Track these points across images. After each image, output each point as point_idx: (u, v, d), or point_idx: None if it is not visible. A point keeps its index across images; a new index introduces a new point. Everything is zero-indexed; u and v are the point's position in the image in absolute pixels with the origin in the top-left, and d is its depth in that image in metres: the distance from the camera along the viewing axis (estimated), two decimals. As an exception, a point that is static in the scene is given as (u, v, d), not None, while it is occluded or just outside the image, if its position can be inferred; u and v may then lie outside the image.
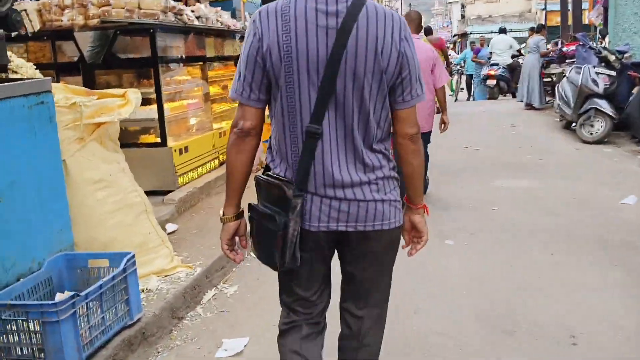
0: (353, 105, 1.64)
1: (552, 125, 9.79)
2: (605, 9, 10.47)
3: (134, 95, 3.77)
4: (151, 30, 5.15)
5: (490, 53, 14.52)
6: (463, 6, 48.92)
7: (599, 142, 7.83)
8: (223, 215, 1.84)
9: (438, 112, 5.62)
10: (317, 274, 1.86)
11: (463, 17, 48.83)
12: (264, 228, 1.72)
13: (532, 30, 13.75)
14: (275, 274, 1.89)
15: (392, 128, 1.77)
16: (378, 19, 1.62)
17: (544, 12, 32.22)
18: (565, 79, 9.18)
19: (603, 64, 7.99)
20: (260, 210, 1.74)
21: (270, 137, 1.78)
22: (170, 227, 4.66)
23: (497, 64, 14.19)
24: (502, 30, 14.47)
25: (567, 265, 3.89)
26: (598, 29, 11.71)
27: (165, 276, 3.72)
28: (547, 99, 12.13)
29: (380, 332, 1.99)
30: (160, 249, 3.78)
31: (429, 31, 12.33)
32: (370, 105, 1.66)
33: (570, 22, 15.53)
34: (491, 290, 3.56)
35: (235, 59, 6.81)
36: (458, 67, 16.45)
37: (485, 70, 14.53)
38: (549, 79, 12.22)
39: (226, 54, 6.89)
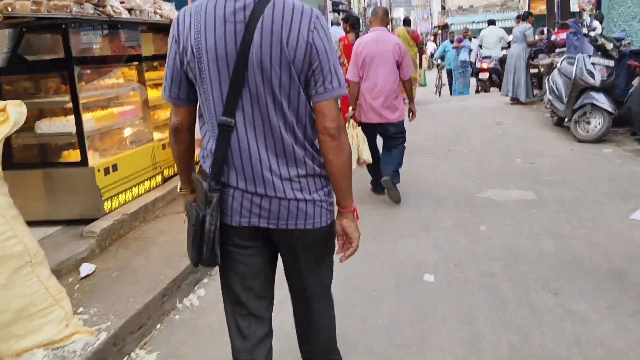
0: (266, 97, 1.65)
1: (542, 121, 8.98)
2: (598, -6, 9.67)
3: (16, 109, 2.89)
4: (63, 26, 4.23)
5: (480, 46, 13.82)
6: (444, -3, 48.14)
7: (597, 141, 7.01)
8: (180, 190, 1.97)
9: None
10: (257, 271, 1.86)
11: (443, 8, 48.10)
12: (188, 222, 1.78)
13: (519, 18, 12.97)
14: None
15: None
16: (285, 11, 1.63)
17: (527, 0, 31.58)
18: (556, 70, 8.37)
19: (599, 53, 7.17)
20: (187, 206, 1.80)
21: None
22: (86, 268, 3.76)
23: (490, 57, 13.73)
24: (491, 22, 13.68)
25: (577, 313, 3.05)
26: (589, 14, 10.91)
27: (57, 348, 2.83)
28: (535, 92, 11.33)
29: (328, 314, 2.00)
30: (51, 311, 2.88)
31: (407, 22, 12.18)
32: (283, 97, 1.66)
33: (556, 9, 14.77)
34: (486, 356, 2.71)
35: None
36: (439, 61, 15.57)
37: (478, 64, 14.08)
38: (536, 70, 11.40)
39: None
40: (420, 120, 9.52)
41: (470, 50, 14.53)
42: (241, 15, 1.62)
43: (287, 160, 1.70)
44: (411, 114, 5.43)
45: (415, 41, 10.89)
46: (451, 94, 14.97)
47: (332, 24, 9.08)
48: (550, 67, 10.45)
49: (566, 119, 7.87)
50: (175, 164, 2.03)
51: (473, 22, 41.17)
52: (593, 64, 7.13)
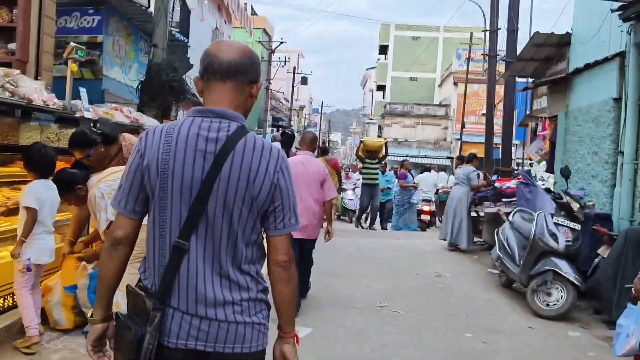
0: (222, 226, 1.70)
1: (488, 279, 7.75)
2: (553, 144, 8.99)
3: None
4: None
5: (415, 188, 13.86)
6: (380, 128, 49.57)
7: (560, 318, 5.74)
8: (91, 316, 1.84)
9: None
10: None
11: (379, 137, 49.36)
12: (122, 338, 1.72)
13: (460, 160, 12.32)
14: None
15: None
16: (255, 149, 1.71)
17: (459, 142, 32.37)
18: (507, 225, 7.29)
19: (563, 213, 6.13)
20: (122, 320, 1.75)
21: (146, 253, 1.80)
22: None
23: (431, 199, 14.13)
24: (427, 169, 14.83)
25: None
26: (539, 165, 10.28)
27: None
28: (475, 239, 10.29)
29: None
30: None
31: (325, 151, 12.79)
32: (239, 228, 1.72)
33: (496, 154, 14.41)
34: None
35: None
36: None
37: (419, 205, 14.23)
38: (475, 215, 10.48)
39: (22, 142, 4.36)
40: (352, 259, 8.44)
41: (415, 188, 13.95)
42: (212, 147, 1.68)
43: (231, 285, 1.72)
44: (327, 235, 5.73)
45: (334, 168, 10.08)
46: (384, 227, 13.89)
47: (273, 140, 9.27)
48: (495, 217, 9.52)
49: (519, 282, 6.65)
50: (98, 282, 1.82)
51: (407, 156, 42.24)
52: (557, 224, 6.05)
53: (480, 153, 25.31)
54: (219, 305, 1.70)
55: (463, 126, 31.14)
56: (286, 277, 1.79)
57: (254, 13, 44.85)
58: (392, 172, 15.62)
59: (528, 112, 11.45)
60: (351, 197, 14.10)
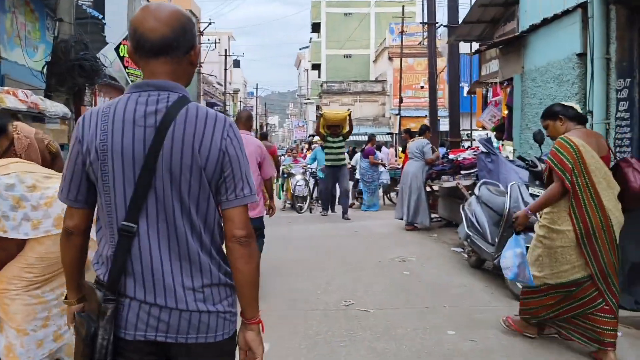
0: (173, 203, 1.62)
1: (454, 260, 7.11)
2: (510, 109, 8.40)
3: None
4: None
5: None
6: (318, 107, 48.80)
7: (545, 301, 5.13)
8: (66, 298, 1.85)
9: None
10: None
11: (318, 118, 48.57)
12: (78, 335, 1.66)
13: (407, 134, 11.69)
14: None
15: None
16: (198, 118, 1.63)
17: (398, 117, 32.08)
18: (473, 199, 6.65)
19: (538, 183, 5.51)
20: (77, 317, 1.71)
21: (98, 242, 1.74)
22: None
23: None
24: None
25: None
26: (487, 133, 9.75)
27: None
28: (432, 215, 9.69)
29: None
30: None
31: (264, 136, 12.99)
32: (192, 203, 1.63)
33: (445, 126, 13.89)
34: None
35: None
36: (309, 168, 13.72)
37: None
38: (429, 189, 9.87)
39: None
40: (305, 251, 7.51)
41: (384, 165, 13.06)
42: (152, 120, 1.61)
43: (191, 269, 1.63)
44: (270, 209, 5.82)
45: (272, 155, 9.36)
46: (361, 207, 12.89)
47: None
48: (452, 191, 8.92)
49: (493, 262, 6.03)
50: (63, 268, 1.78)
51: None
52: (533, 195, 5.41)
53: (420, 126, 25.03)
54: (179, 292, 1.61)
55: (401, 101, 30.86)
56: (246, 254, 1.66)
57: (178, -6, 42.86)
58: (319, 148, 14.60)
59: (476, 79, 10.84)
60: (300, 183, 12.97)
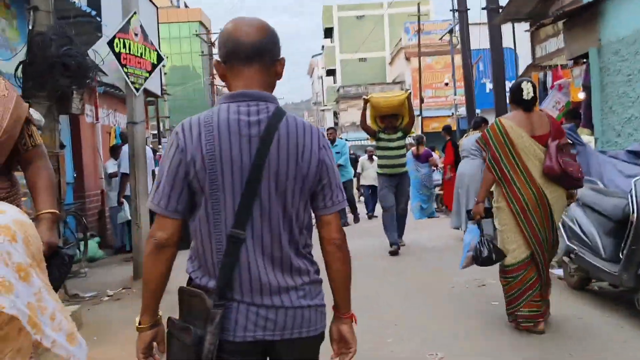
0: (277, 209, 1.69)
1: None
2: (587, 89, 6.91)
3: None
4: None
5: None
6: (336, 114, 47.56)
7: None
8: (139, 324, 1.78)
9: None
10: None
11: (336, 124, 47.22)
12: (180, 343, 1.69)
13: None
14: None
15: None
16: (298, 128, 1.71)
17: (420, 117, 30.56)
18: (574, 205, 5.16)
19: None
20: (177, 324, 1.72)
21: (191, 248, 1.76)
22: None
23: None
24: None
25: None
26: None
27: None
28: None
29: None
30: None
31: None
32: (293, 209, 1.71)
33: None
34: None
35: None
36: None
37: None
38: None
39: None
40: (355, 271, 5.19)
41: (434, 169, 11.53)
42: (255, 130, 1.67)
43: (292, 270, 1.72)
44: None
45: None
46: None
47: None
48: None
49: (615, 283, 4.55)
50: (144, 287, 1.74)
51: (367, 139, 40.29)
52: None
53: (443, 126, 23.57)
54: (283, 291, 1.69)
55: (422, 101, 29.39)
56: (342, 256, 1.78)
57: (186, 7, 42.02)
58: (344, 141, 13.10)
59: (530, 62, 9.36)
60: None
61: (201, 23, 37.80)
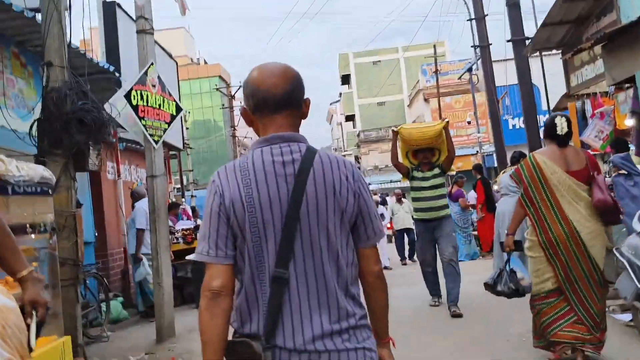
0: (320, 245, 1.68)
1: (619, 331, 5.01)
2: (637, 114, 6.42)
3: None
4: None
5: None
6: (357, 158, 47.37)
7: None
8: None
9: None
10: None
11: (359, 169, 46.95)
12: None
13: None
14: None
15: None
16: (332, 163, 1.73)
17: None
18: (634, 236, 4.65)
19: None
20: None
21: (235, 296, 1.73)
22: None
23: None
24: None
25: None
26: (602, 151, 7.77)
27: None
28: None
29: None
30: None
31: None
32: (338, 245, 1.70)
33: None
34: None
35: None
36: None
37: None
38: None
39: None
40: (394, 324, 4.64)
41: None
42: (290, 169, 1.70)
43: (339, 313, 1.68)
44: None
45: None
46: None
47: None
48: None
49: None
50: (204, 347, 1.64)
51: (391, 182, 39.91)
52: None
53: (468, 165, 23.07)
54: (326, 336, 1.65)
55: (444, 141, 28.78)
56: (382, 286, 1.82)
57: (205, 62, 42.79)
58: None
59: (566, 92, 8.94)
60: None
61: (221, 77, 38.35)
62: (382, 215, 13.07)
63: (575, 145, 9.77)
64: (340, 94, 56.66)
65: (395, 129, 6.81)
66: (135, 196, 8.63)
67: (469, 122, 27.82)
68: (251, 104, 1.76)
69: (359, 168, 45.59)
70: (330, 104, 67.65)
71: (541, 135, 4.95)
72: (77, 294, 5.32)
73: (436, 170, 6.62)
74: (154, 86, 6.14)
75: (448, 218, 6.73)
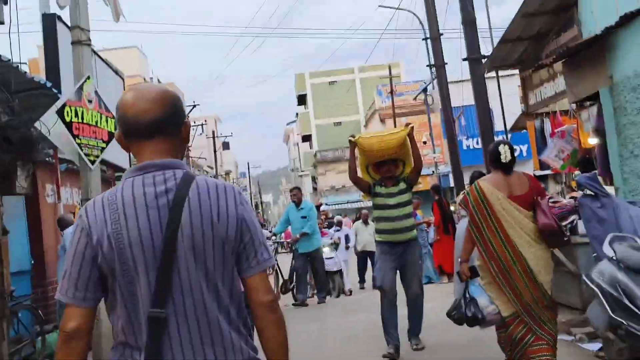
0: (199, 280, 1.59)
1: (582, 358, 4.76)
2: (600, 133, 6.29)
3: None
4: None
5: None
6: (314, 178, 47.14)
7: None
8: None
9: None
10: None
11: (315, 189, 46.70)
12: None
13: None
14: None
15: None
16: (210, 190, 1.64)
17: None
18: (607, 266, 4.36)
19: None
20: None
21: (113, 337, 1.66)
22: None
23: None
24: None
25: None
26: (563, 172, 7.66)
27: None
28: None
29: None
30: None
31: None
32: (218, 277, 1.61)
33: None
34: None
35: None
36: (274, 239, 11.23)
37: None
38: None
39: None
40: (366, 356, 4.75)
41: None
42: (164, 200, 1.60)
43: (224, 349, 1.60)
44: None
45: None
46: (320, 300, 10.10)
47: None
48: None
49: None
50: None
51: (348, 202, 39.74)
52: None
53: (426, 186, 23.08)
54: None
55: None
56: (275, 319, 1.66)
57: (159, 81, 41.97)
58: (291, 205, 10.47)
59: (522, 111, 8.86)
60: (330, 255, 10.80)
61: (174, 96, 37.67)
62: (346, 236, 12.68)
63: (534, 164, 9.72)
64: (297, 114, 56.55)
65: (352, 138, 5.98)
66: (62, 224, 7.97)
67: (424, 143, 27.98)
68: (122, 130, 1.67)
69: (315, 189, 45.43)
70: (287, 124, 67.55)
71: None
72: (2, 330, 4.82)
73: (402, 185, 5.80)
74: (90, 102, 5.64)
75: (415, 241, 6.02)
